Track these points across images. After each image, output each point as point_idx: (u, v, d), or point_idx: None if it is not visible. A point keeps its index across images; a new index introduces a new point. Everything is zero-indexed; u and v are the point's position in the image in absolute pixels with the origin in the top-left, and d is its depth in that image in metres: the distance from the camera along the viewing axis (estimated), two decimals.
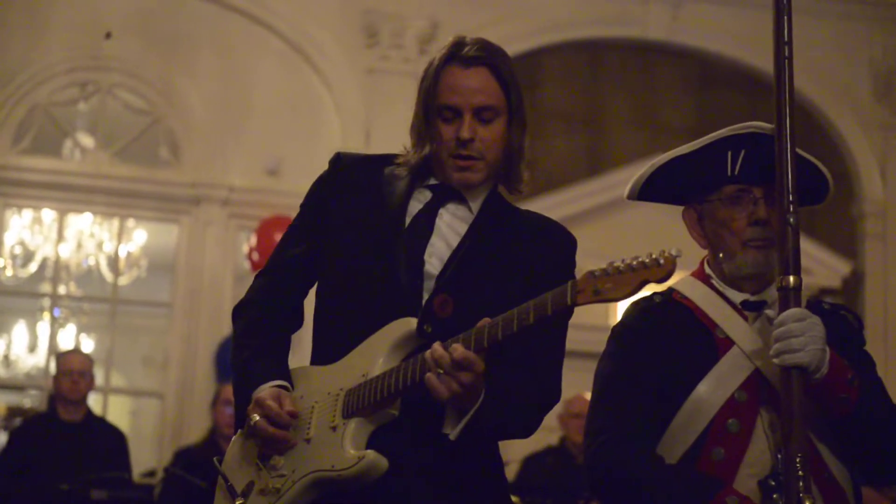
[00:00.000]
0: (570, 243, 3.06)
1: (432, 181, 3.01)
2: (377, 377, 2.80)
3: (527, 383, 2.86)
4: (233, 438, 3.08)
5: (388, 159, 3.07)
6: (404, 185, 3.00)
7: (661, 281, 2.56)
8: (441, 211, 2.98)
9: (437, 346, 2.69)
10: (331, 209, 3.03)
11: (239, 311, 3.13)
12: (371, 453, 2.77)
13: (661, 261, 2.55)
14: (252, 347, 3.04)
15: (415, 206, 2.99)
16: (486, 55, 2.97)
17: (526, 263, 2.94)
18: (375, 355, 2.85)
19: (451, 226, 2.97)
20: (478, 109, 2.92)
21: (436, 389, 2.68)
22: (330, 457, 2.81)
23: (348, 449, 2.80)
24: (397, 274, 2.89)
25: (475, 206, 3.00)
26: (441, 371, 2.67)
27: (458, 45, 2.98)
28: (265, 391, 2.91)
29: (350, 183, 3.05)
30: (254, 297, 3.12)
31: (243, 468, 2.98)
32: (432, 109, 2.95)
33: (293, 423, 2.88)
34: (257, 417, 2.87)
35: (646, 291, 3.13)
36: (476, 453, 2.89)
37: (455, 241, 2.94)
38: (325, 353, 2.99)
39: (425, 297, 2.88)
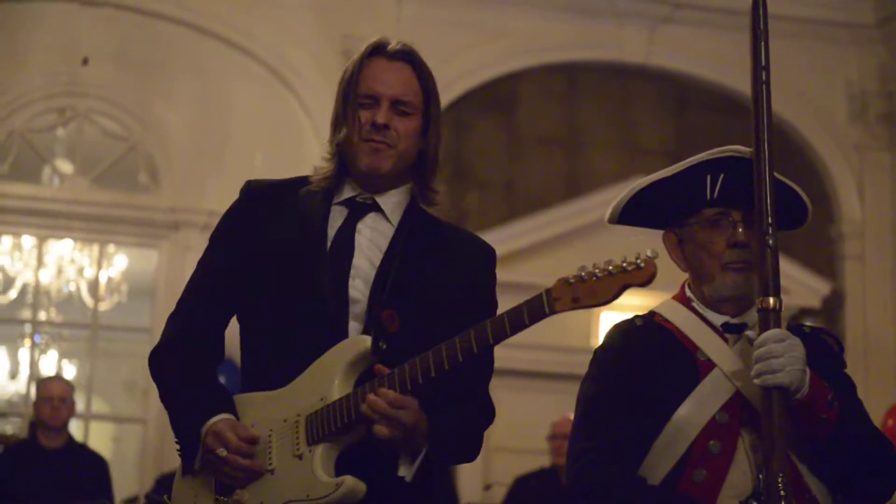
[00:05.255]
0: (489, 255, 3.12)
1: (346, 196, 3.03)
2: (337, 402, 2.80)
3: (468, 410, 2.93)
4: (177, 477, 3.02)
5: (300, 182, 3.08)
6: (320, 204, 3.02)
7: (644, 284, 2.59)
8: (359, 226, 2.99)
9: (370, 395, 2.73)
10: (248, 239, 3.02)
11: (158, 357, 3.06)
12: (349, 479, 2.76)
13: (642, 264, 2.58)
14: (185, 386, 2.99)
15: (333, 226, 2.99)
16: (411, 55, 3.04)
17: (449, 275, 2.98)
18: (330, 377, 2.83)
19: (372, 241, 2.98)
20: (396, 101, 2.97)
21: (382, 435, 2.73)
22: (302, 486, 2.79)
23: (321, 476, 2.78)
24: (324, 300, 2.90)
25: (393, 216, 3.02)
26: (379, 416, 2.72)
27: (383, 42, 3.05)
28: (218, 424, 2.87)
29: (265, 210, 3.04)
30: (171, 340, 3.05)
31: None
32: (351, 97, 2.99)
33: (254, 451, 2.86)
34: (224, 451, 2.83)
35: (628, 314, 3.16)
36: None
37: (377, 257, 2.96)
38: (259, 383, 2.97)
39: (351, 324, 2.90)
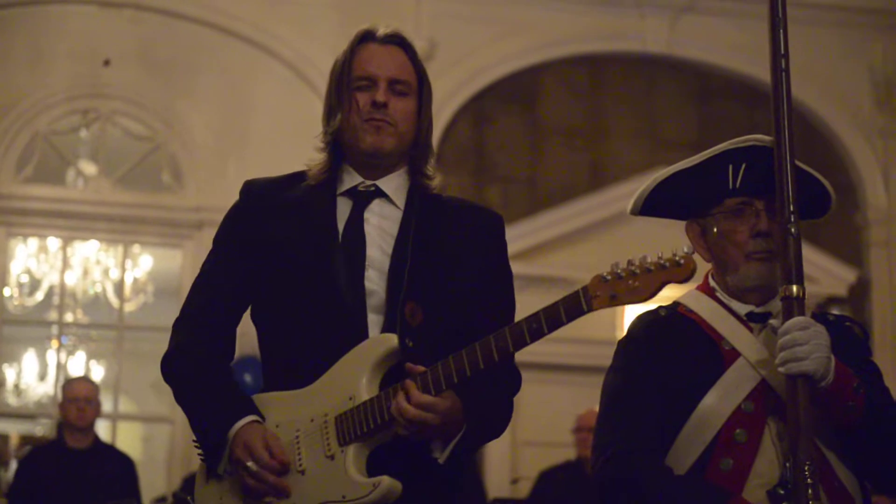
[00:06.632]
0: (497, 224, 3.11)
1: (347, 186, 3.03)
2: (367, 402, 2.79)
3: (500, 380, 2.94)
4: (198, 479, 3.00)
5: (298, 176, 3.09)
6: (324, 196, 3.02)
7: (683, 281, 2.61)
8: (366, 215, 2.99)
9: (398, 399, 2.73)
10: (255, 238, 3.01)
11: (171, 362, 3.03)
12: (386, 479, 2.75)
13: (682, 261, 2.59)
14: (204, 390, 2.97)
15: (341, 217, 2.99)
16: (402, 39, 3.06)
17: (462, 252, 2.98)
18: (357, 376, 2.82)
19: (381, 228, 2.98)
20: (393, 81, 2.99)
21: (407, 437, 2.75)
22: (337, 487, 2.78)
23: (356, 477, 2.77)
24: (340, 293, 2.89)
25: (398, 199, 3.02)
26: (405, 421, 2.72)
27: (372, 29, 3.06)
28: (247, 432, 2.86)
29: (269, 208, 3.04)
30: (183, 344, 3.03)
31: None
32: (346, 83, 3.00)
33: (285, 470, 2.84)
34: (255, 466, 2.81)
35: (651, 305, 3.15)
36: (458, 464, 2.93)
37: (389, 245, 2.95)
38: (280, 378, 2.96)
39: (370, 316, 2.89)
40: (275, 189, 3.08)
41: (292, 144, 9.63)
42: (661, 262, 2.60)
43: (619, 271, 2.63)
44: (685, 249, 2.61)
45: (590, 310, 2.66)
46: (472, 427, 2.81)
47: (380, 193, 3.01)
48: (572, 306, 2.67)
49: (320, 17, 9.92)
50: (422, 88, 3.04)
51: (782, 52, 2.97)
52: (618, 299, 2.63)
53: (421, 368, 2.77)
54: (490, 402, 2.92)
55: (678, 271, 2.59)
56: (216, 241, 3.12)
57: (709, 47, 10.48)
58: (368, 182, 3.02)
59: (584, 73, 10.47)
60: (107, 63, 9.72)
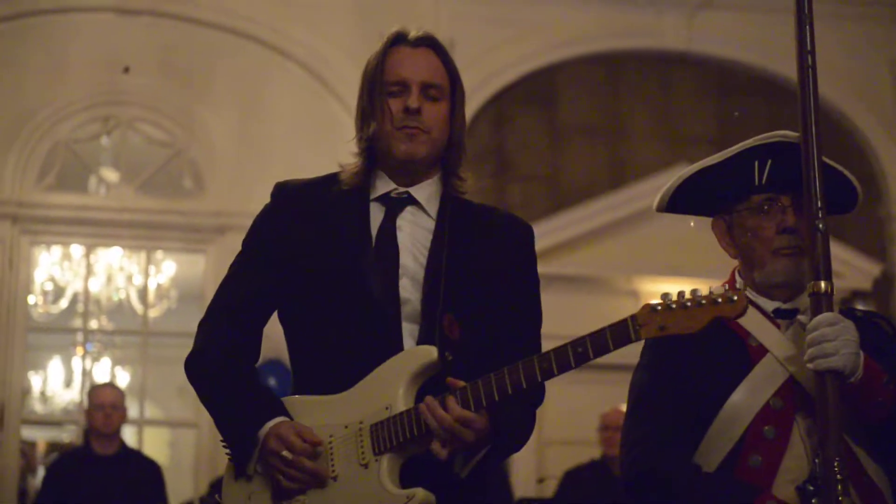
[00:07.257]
0: (528, 234, 3.12)
1: (380, 192, 3.00)
2: (403, 413, 2.77)
3: (526, 402, 2.90)
4: (226, 479, 2.98)
5: (330, 179, 3.05)
6: (357, 202, 2.99)
7: (734, 318, 2.61)
8: (399, 223, 2.97)
9: (435, 408, 2.71)
10: (284, 241, 2.99)
11: (196, 362, 3.00)
12: (420, 492, 2.73)
13: (734, 297, 2.57)
14: (233, 391, 2.95)
15: (374, 224, 2.97)
16: (433, 41, 3.02)
17: (495, 263, 2.96)
18: (394, 386, 2.80)
19: (413, 236, 2.96)
20: (425, 85, 2.95)
21: (438, 454, 2.72)
22: (370, 496, 2.77)
23: (390, 487, 2.75)
24: (374, 301, 2.87)
25: (430, 208, 2.99)
26: (442, 432, 2.70)
27: (404, 31, 3.02)
28: (279, 426, 2.85)
29: (301, 212, 3.01)
30: (206, 344, 3.00)
31: None
32: (378, 88, 2.96)
33: (320, 454, 2.83)
34: (290, 454, 2.80)
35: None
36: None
37: (422, 254, 2.93)
38: (312, 385, 2.94)
39: (404, 325, 2.87)
40: (307, 191, 3.06)
41: (311, 146, 9.74)
42: (714, 296, 2.58)
43: (670, 302, 2.61)
44: (738, 286, 2.60)
45: (637, 339, 2.65)
46: (497, 445, 2.80)
47: (412, 201, 2.99)
48: (620, 334, 2.64)
49: (337, 18, 9.93)
50: (454, 90, 3.00)
51: (808, 48, 2.96)
52: (666, 330, 2.61)
53: (461, 383, 2.74)
54: (517, 420, 2.89)
55: (730, 308, 2.58)
56: (245, 242, 3.09)
57: (727, 43, 10.44)
58: (402, 189, 2.99)
59: (603, 71, 10.44)
60: (126, 70, 9.74)
